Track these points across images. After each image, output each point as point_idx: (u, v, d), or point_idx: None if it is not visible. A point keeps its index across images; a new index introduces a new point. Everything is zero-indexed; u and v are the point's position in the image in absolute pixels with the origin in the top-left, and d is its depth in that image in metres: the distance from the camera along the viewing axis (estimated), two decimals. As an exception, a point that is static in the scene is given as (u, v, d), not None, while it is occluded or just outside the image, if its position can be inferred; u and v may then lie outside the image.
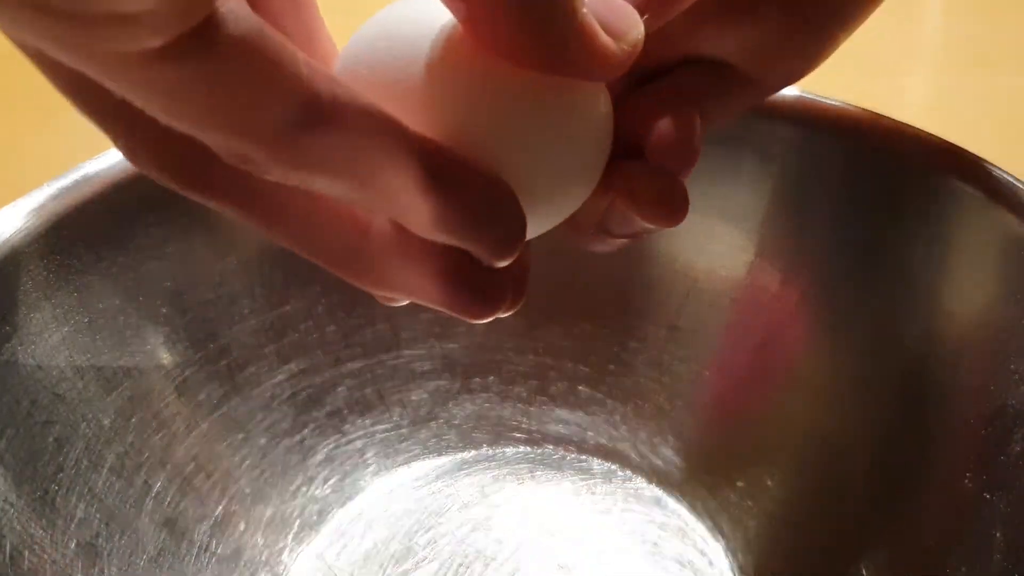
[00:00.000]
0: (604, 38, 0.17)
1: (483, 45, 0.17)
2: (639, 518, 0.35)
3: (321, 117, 0.15)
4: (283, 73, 0.15)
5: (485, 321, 0.20)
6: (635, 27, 0.18)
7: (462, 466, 0.37)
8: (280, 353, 0.35)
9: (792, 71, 0.25)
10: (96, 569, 0.29)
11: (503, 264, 0.19)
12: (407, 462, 0.37)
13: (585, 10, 0.17)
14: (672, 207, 0.21)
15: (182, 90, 0.14)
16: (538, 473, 0.37)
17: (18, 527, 0.27)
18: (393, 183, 0.17)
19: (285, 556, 0.34)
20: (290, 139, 0.15)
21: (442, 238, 0.18)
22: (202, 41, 0.14)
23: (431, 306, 0.20)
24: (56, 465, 0.29)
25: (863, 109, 0.33)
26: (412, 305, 0.22)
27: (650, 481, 0.36)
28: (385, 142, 0.16)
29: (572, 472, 0.37)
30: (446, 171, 0.17)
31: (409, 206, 0.17)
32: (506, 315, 0.20)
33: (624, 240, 0.24)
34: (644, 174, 0.22)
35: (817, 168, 0.33)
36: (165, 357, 0.33)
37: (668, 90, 0.23)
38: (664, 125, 0.22)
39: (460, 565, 0.33)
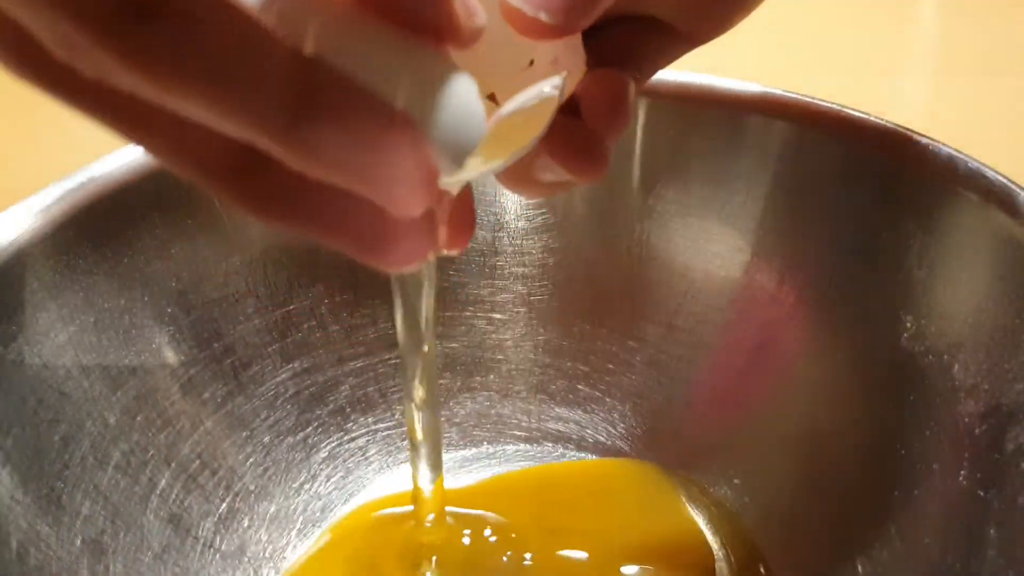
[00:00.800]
0: (459, 8, 0.15)
1: None
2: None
3: (159, 4, 0.12)
4: None
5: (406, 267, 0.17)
6: (481, 14, 0.16)
7: (463, 463, 0.37)
8: (284, 352, 0.36)
9: (725, 20, 0.24)
10: (101, 566, 0.29)
11: (414, 214, 0.16)
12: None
13: None
14: (593, 164, 0.22)
15: None
16: (538, 471, 0.37)
17: (24, 524, 0.27)
18: (258, 103, 0.13)
19: (289, 552, 0.34)
20: (122, 28, 0.12)
21: (321, 175, 0.15)
22: None
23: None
24: (62, 463, 0.29)
25: (859, 111, 0.33)
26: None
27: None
28: (246, 47, 0.13)
29: (571, 470, 0.37)
30: (327, 93, 0.14)
31: (277, 130, 0.14)
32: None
33: (549, 187, 0.24)
34: (572, 130, 0.22)
35: (814, 169, 0.33)
36: (170, 356, 0.33)
37: (601, 52, 0.22)
38: (597, 89, 0.22)
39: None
